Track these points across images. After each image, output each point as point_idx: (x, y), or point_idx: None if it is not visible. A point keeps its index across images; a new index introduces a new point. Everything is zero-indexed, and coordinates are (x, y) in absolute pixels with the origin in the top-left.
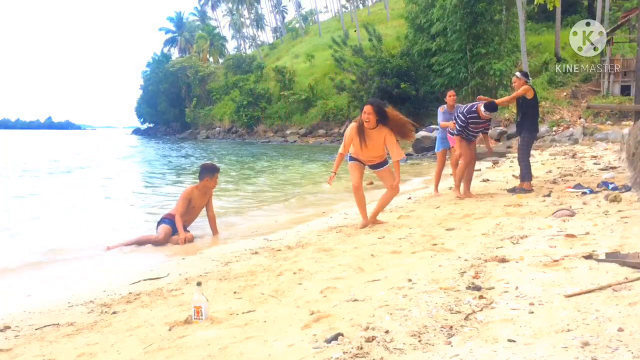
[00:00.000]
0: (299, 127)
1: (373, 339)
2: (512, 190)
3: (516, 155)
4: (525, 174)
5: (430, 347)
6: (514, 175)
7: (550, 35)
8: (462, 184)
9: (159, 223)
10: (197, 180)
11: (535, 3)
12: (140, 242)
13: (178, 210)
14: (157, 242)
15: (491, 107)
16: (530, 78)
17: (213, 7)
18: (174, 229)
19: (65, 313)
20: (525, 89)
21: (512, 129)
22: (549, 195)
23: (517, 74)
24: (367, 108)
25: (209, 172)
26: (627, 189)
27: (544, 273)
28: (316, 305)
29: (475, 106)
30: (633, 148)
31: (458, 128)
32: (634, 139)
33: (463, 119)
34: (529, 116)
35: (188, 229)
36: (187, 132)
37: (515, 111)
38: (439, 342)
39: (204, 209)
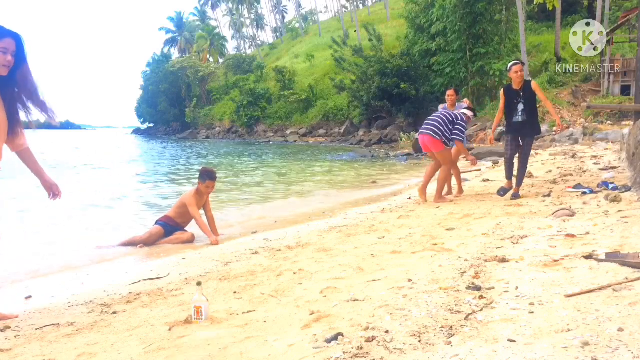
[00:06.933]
0: (299, 127)
1: (373, 339)
2: (503, 193)
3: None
4: (509, 174)
5: (430, 347)
6: (514, 176)
7: (550, 35)
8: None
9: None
10: (197, 182)
11: (535, 3)
12: (129, 243)
13: (196, 215)
14: (145, 243)
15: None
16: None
17: (213, 7)
18: (167, 231)
19: (65, 313)
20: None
21: None
22: (549, 195)
23: (522, 64)
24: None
25: (209, 177)
26: (627, 189)
27: (544, 273)
28: (316, 305)
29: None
30: (633, 148)
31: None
32: (634, 139)
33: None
34: (534, 114)
35: (186, 229)
36: (187, 132)
37: (504, 109)
38: (439, 342)
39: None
